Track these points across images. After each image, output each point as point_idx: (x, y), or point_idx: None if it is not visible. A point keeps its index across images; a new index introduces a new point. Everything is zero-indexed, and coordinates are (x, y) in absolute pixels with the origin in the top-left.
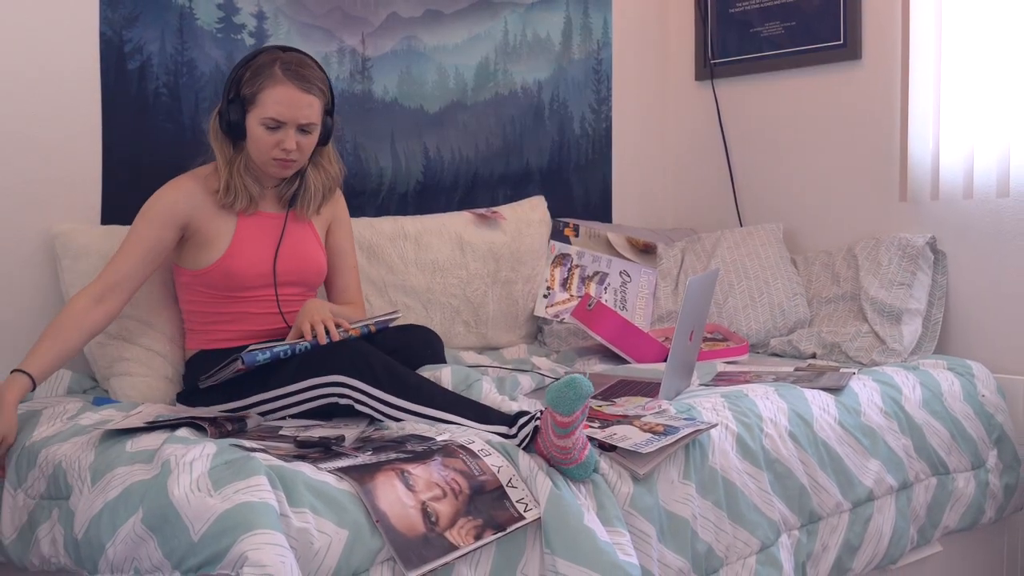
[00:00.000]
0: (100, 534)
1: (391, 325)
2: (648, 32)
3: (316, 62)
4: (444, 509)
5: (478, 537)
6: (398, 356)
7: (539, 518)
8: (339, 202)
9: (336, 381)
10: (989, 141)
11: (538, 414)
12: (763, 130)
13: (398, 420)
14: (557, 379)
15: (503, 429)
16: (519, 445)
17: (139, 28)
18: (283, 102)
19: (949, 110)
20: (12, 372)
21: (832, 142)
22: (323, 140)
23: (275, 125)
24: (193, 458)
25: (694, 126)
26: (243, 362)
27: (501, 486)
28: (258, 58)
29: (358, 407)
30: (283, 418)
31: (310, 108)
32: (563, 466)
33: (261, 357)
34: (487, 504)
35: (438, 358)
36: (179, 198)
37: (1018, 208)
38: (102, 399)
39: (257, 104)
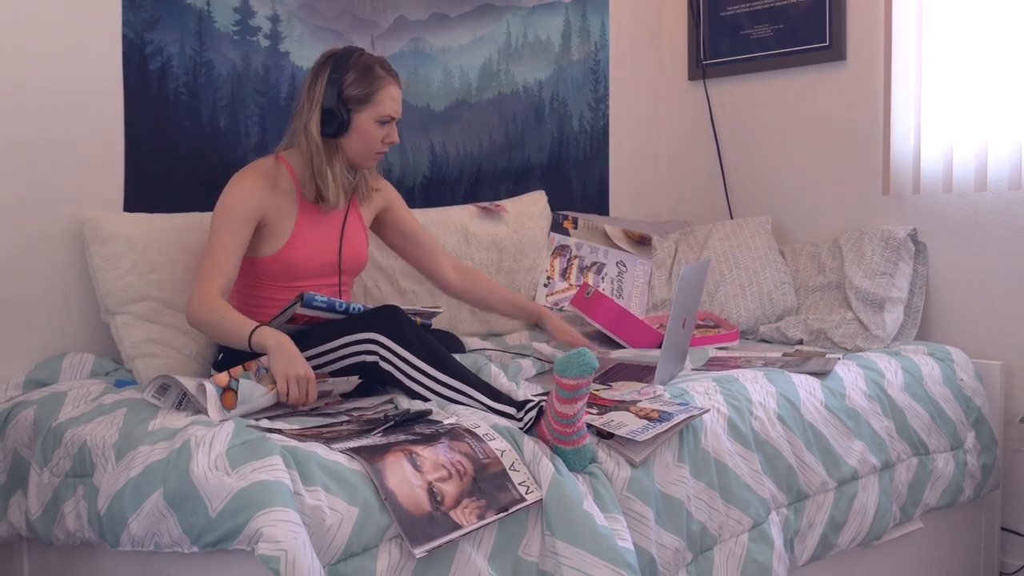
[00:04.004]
0: (123, 509)
1: (431, 321)
2: (643, 34)
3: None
4: (449, 489)
5: (481, 517)
6: None
7: (540, 500)
8: (387, 188)
9: (370, 338)
10: (967, 138)
11: (543, 400)
12: (753, 127)
13: (418, 383)
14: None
15: (511, 411)
16: (524, 428)
17: (159, 31)
18: (396, 99)
19: (929, 109)
20: (254, 330)
21: (818, 139)
22: None
23: (388, 120)
24: (212, 438)
25: (687, 124)
26: (302, 301)
27: (504, 469)
28: (352, 61)
29: (383, 364)
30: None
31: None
32: (561, 445)
33: (319, 300)
34: (490, 486)
35: None
36: (253, 195)
37: (995, 202)
38: (123, 381)
39: (374, 103)
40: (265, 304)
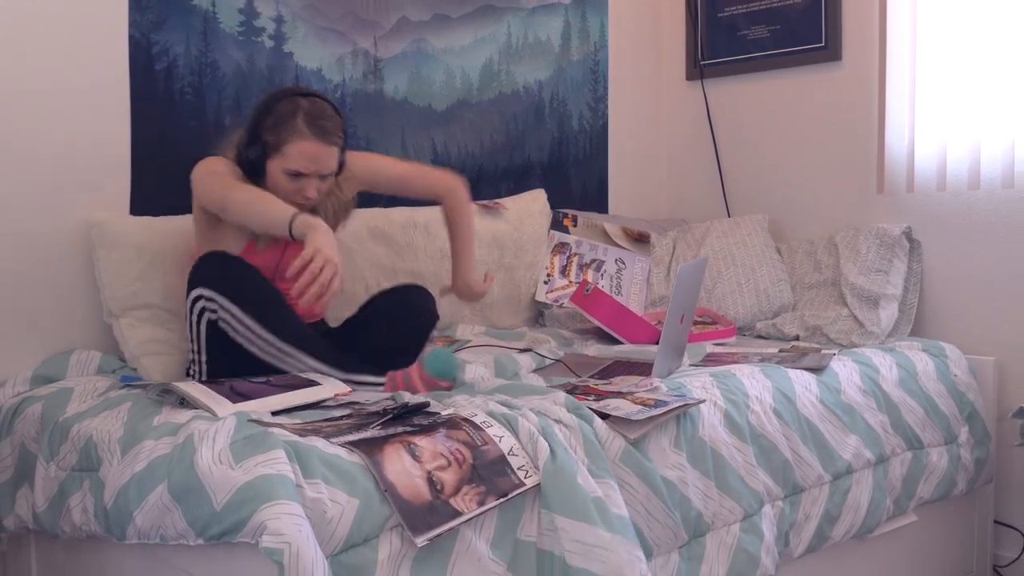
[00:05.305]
0: (128, 503)
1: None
2: (642, 35)
3: (334, 106)
4: (449, 478)
5: (481, 503)
6: (388, 321)
7: (539, 484)
8: (357, 166)
9: (200, 294)
10: (961, 137)
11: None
12: (750, 127)
13: (249, 341)
14: (557, 360)
15: (339, 374)
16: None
17: (165, 31)
18: (308, 156)
19: (923, 108)
20: (292, 216)
21: (814, 138)
22: (336, 172)
23: (298, 175)
24: (215, 432)
25: (685, 123)
26: None
27: (503, 454)
28: (280, 105)
29: (220, 323)
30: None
31: (331, 159)
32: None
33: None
34: (490, 472)
35: (427, 315)
36: (226, 172)
37: (988, 200)
38: (129, 377)
39: (282, 154)
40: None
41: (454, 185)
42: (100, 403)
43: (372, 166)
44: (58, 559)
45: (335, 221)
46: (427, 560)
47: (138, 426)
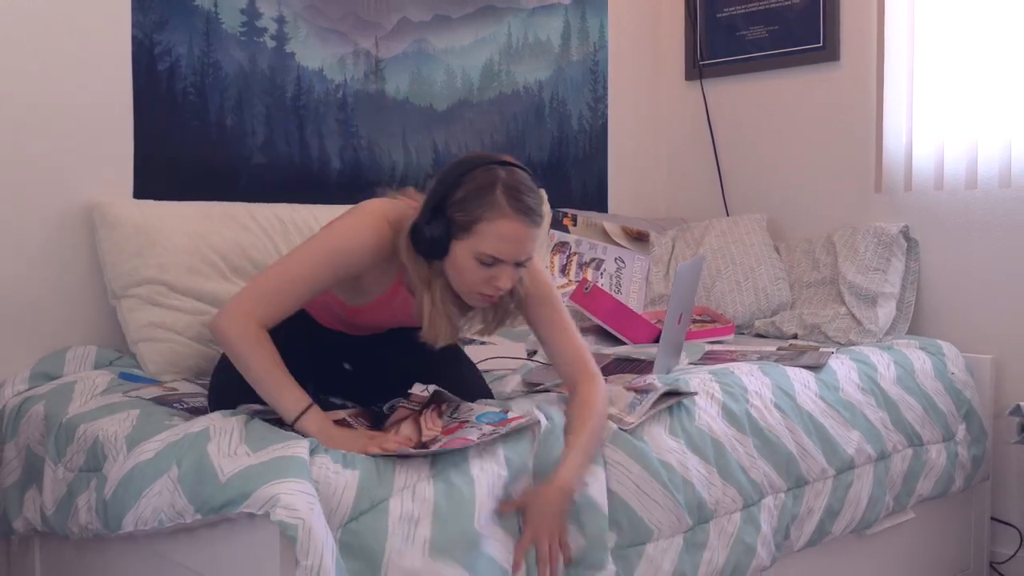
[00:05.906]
0: (130, 491)
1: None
2: (641, 35)
3: (531, 175)
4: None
5: (441, 415)
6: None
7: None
8: (538, 273)
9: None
10: (958, 136)
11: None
12: (748, 127)
13: None
14: (550, 364)
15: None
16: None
17: (168, 32)
18: (508, 239)
19: (921, 108)
20: (297, 416)
21: (812, 138)
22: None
23: (492, 262)
24: (231, 428)
25: (684, 123)
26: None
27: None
28: (474, 173)
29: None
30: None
31: (532, 243)
32: None
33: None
34: (456, 403)
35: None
36: (364, 256)
37: (985, 199)
38: (127, 374)
39: (474, 235)
40: (300, 318)
41: (596, 372)
42: (108, 405)
43: (547, 283)
44: (62, 559)
45: (495, 323)
46: (446, 514)
47: (147, 425)
